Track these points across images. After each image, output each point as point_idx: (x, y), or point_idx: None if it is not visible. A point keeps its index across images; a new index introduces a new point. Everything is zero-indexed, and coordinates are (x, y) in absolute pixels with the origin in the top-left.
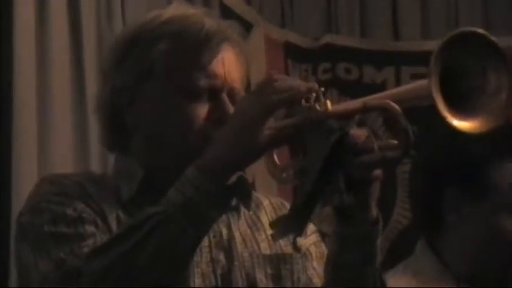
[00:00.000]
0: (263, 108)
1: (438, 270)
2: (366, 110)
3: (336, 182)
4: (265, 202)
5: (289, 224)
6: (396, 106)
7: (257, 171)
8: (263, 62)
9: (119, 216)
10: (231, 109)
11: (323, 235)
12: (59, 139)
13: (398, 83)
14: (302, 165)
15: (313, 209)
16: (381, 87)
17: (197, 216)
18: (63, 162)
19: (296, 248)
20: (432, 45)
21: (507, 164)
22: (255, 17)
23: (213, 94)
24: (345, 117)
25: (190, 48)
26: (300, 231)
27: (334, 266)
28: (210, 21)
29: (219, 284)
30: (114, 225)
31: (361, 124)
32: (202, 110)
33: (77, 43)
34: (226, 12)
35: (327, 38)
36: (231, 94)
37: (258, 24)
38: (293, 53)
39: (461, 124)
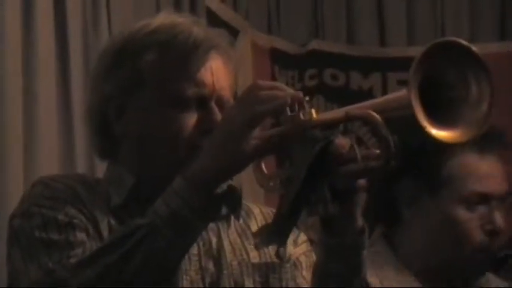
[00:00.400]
0: (248, 119)
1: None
2: (348, 119)
3: (321, 191)
4: (256, 211)
5: (273, 233)
6: (377, 116)
7: (244, 180)
8: (250, 68)
9: (110, 223)
10: (219, 118)
11: (311, 241)
12: (45, 143)
13: (384, 89)
14: (287, 174)
15: (297, 219)
16: (368, 93)
17: (184, 228)
18: (49, 166)
19: (279, 257)
20: (418, 51)
21: (460, 154)
22: (242, 24)
23: (202, 103)
24: (329, 126)
25: (178, 57)
26: (283, 240)
27: (320, 276)
28: (198, 30)
29: None
30: (105, 232)
31: (346, 132)
32: (190, 119)
33: (62, 48)
34: (213, 19)
35: (314, 44)
36: (220, 102)
37: (244, 30)
38: (280, 59)
39: (440, 134)
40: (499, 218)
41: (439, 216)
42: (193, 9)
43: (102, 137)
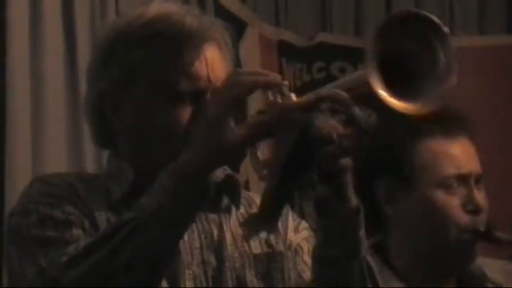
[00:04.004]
0: (223, 104)
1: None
2: (319, 100)
3: (308, 175)
4: (258, 200)
5: (260, 222)
6: (344, 94)
7: (251, 171)
8: (257, 61)
9: (109, 218)
10: None
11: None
12: (53, 138)
13: None
14: (271, 162)
15: (283, 205)
16: None
17: (170, 222)
18: (57, 162)
19: (269, 245)
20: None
21: (429, 140)
22: (250, 16)
23: (197, 96)
24: (306, 109)
25: (171, 50)
26: (271, 228)
27: (319, 261)
28: (192, 20)
29: (210, 286)
30: (103, 228)
31: (333, 111)
32: (185, 113)
33: (70, 41)
34: (221, 12)
35: (321, 37)
36: None
37: (252, 23)
38: (287, 52)
39: (401, 105)
40: (478, 197)
41: (420, 206)
42: (201, 1)
43: (101, 130)
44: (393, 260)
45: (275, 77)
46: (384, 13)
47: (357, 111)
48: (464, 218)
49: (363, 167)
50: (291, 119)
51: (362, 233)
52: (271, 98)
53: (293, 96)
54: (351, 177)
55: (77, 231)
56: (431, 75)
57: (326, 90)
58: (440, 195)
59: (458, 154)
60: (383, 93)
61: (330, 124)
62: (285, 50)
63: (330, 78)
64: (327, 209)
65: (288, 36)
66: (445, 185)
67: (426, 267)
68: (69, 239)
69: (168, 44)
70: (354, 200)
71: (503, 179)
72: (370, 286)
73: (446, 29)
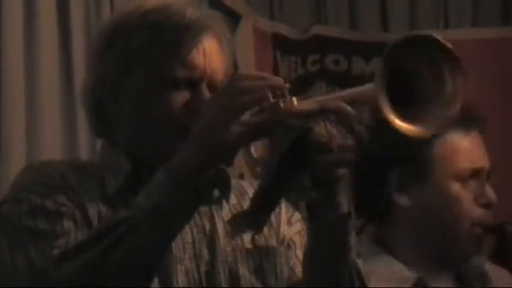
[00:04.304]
0: (229, 111)
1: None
2: (322, 111)
3: (301, 179)
4: (251, 191)
5: (248, 220)
6: (350, 109)
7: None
8: (251, 53)
9: (101, 210)
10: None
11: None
12: (48, 128)
13: None
14: (264, 162)
15: (274, 207)
16: (370, 78)
17: (166, 222)
18: (52, 151)
19: (255, 244)
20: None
21: (445, 135)
22: (244, 8)
23: (192, 85)
24: (305, 117)
25: (169, 38)
26: (258, 227)
27: (308, 262)
28: (192, 11)
29: (203, 280)
30: (94, 220)
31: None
32: (179, 100)
33: (65, 31)
34: (215, 4)
35: (316, 30)
36: (212, 85)
37: (246, 15)
38: (282, 45)
39: (405, 127)
40: (490, 191)
41: (433, 197)
42: None
43: (98, 119)
44: (395, 249)
45: (277, 80)
46: (379, 5)
47: (361, 127)
48: (476, 212)
49: (377, 155)
50: (290, 123)
51: (352, 237)
52: (271, 99)
53: (294, 100)
54: (345, 184)
55: (68, 223)
56: (436, 100)
57: (331, 101)
58: (455, 187)
59: (473, 148)
60: (389, 112)
61: (329, 132)
62: (280, 43)
63: (324, 71)
64: (317, 213)
65: (283, 28)
66: (460, 178)
67: (431, 258)
68: (60, 231)
69: (167, 34)
70: (345, 206)
71: (504, 178)
72: None
73: (459, 57)
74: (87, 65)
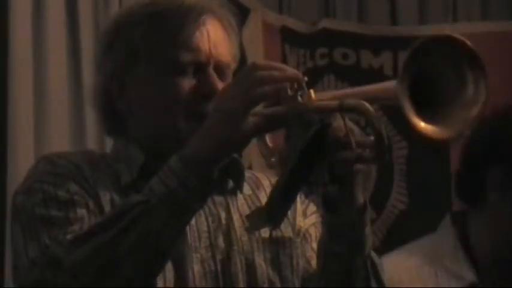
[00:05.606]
0: (246, 101)
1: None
2: (341, 109)
3: (319, 173)
4: (266, 182)
5: (266, 216)
6: (371, 108)
7: (254, 155)
8: (260, 47)
9: (114, 199)
10: (217, 83)
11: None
12: (56, 124)
13: (395, 67)
14: (284, 154)
15: (292, 201)
16: (378, 72)
17: (179, 208)
18: (60, 145)
19: (272, 239)
20: (430, 30)
21: None
22: (253, 2)
23: (199, 69)
24: (324, 113)
25: (170, 24)
26: (276, 223)
27: (323, 256)
28: None
29: (219, 270)
30: (108, 209)
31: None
32: (187, 85)
33: (73, 28)
34: None
35: (324, 23)
36: (219, 68)
37: (255, 9)
38: (290, 38)
39: (426, 128)
40: None
41: None
42: None
43: (109, 114)
44: (472, 245)
45: (295, 72)
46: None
47: (381, 125)
48: None
49: (484, 149)
50: (307, 118)
51: (368, 230)
52: (289, 92)
53: (312, 93)
54: (362, 177)
55: (81, 211)
56: (457, 101)
57: (351, 98)
58: None
59: None
60: (410, 113)
61: (348, 128)
62: (288, 36)
63: (333, 64)
64: (334, 206)
65: (291, 22)
66: None
67: (505, 264)
68: (74, 218)
69: (168, 20)
70: (361, 199)
71: None
72: (373, 282)
73: (480, 57)
74: (95, 63)
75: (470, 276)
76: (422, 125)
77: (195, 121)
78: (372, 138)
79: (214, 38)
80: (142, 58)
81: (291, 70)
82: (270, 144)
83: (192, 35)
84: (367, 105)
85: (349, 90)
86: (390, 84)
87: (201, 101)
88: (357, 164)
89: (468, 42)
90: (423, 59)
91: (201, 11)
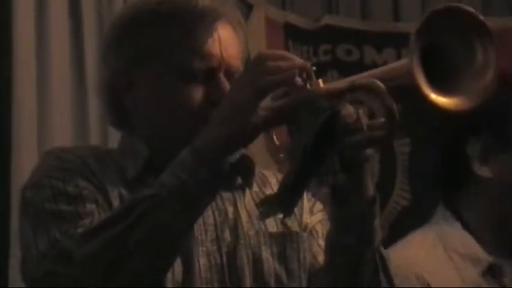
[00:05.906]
0: (256, 91)
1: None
2: (353, 88)
3: (330, 161)
4: (273, 180)
5: (278, 204)
6: (381, 85)
7: (256, 152)
8: (263, 43)
9: (122, 193)
10: (228, 88)
11: None
12: (59, 116)
13: None
14: (290, 150)
15: (303, 190)
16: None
17: (190, 201)
18: (63, 141)
19: (286, 227)
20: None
21: None
22: None
23: (210, 75)
24: (335, 96)
25: (183, 29)
26: (288, 211)
27: (332, 249)
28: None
29: (225, 262)
30: (116, 203)
31: (357, 102)
32: (198, 91)
33: (76, 26)
34: None
35: (327, 19)
36: (229, 72)
37: (258, 5)
38: (293, 34)
39: (441, 100)
40: None
41: None
42: None
43: (114, 110)
44: (471, 225)
45: (303, 61)
46: None
47: (392, 102)
48: None
49: (458, 125)
50: (318, 105)
51: (377, 222)
52: (298, 81)
53: (320, 82)
54: (371, 168)
55: (90, 206)
56: (467, 71)
57: (362, 78)
58: None
59: None
60: (424, 87)
61: (357, 112)
62: (291, 33)
63: (336, 61)
64: (344, 198)
65: (294, 18)
66: None
67: (503, 234)
68: (83, 212)
69: (180, 23)
70: (371, 189)
71: None
72: (381, 275)
73: (489, 27)
74: (100, 56)
75: (485, 256)
76: (436, 97)
77: (203, 128)
78: (382, 120)
79: (225, 43)
80: (153, 58)
81: (298, 59)
82: (276, 141)
83: (205, 41)
84: (378, 82)
85: (361, 74)
86: (402, 61)
87: (210, 106)
88: (368, 147)
89: (473, 10)
90: (432, 33)
91: (215, 16)
